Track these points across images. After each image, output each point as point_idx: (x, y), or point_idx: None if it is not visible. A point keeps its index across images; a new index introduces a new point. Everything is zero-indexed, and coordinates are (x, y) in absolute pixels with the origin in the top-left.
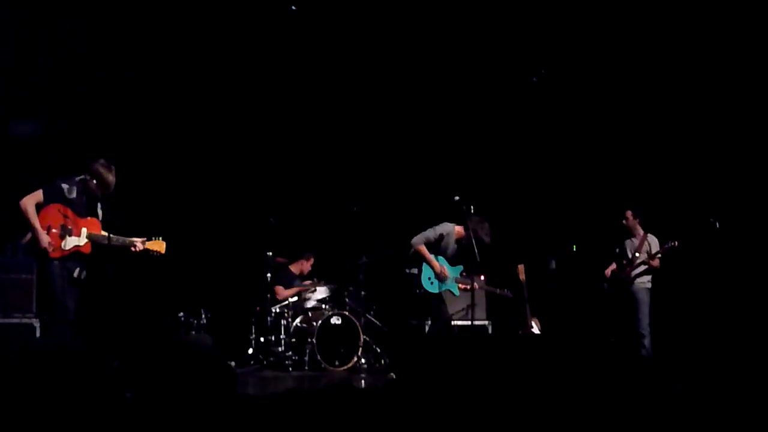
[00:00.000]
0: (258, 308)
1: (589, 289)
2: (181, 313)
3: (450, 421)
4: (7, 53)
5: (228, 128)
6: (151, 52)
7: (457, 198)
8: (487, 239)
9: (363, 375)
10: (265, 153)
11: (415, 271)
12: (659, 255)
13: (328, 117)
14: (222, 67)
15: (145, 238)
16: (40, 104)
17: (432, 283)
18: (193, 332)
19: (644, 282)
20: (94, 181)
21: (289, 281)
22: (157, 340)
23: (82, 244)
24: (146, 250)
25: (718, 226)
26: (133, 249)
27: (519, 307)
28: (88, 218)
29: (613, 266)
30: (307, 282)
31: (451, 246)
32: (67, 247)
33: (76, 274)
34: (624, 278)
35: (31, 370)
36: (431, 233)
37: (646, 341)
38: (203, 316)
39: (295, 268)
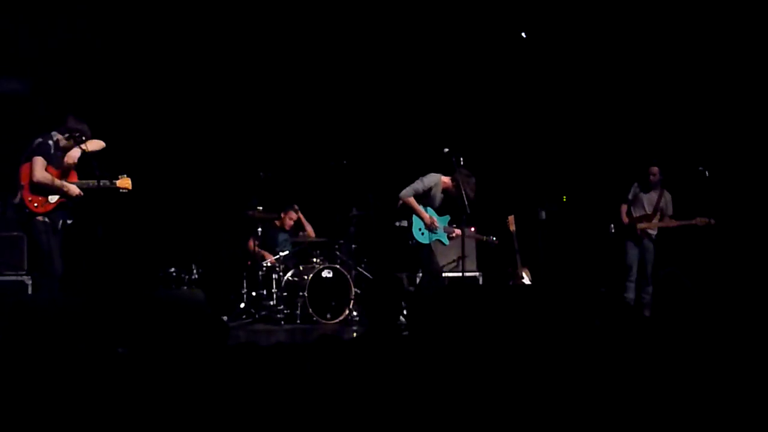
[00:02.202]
0: (249, 263)
1: (580, 239)
2: (173, 269)
3: (441, 372)
4: None
5: (218, 82)
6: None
7: (446, 150)
8: (471, 195)
9: (354, 327)
10: (254, 106)
11: (404, 223)
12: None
13: (317, 70)
14: (213, 23)
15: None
16: (26, 59)
17: (423, 234)
18: (185, 287)
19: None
20: (77, 134)
21: (270, 235)
22: (148, 296)
23: None
24: (116, 188)
25: (707, 174)
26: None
27: (509, 257)
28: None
29: (624, 208)
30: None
31: (438, 196)
32: (52, 201)
33: (60, 225)
34: (639, 232)
35: (23, 327)
36: (419, 185)
37: (650, 288)
38: (194, 271)
39: (278, 222)
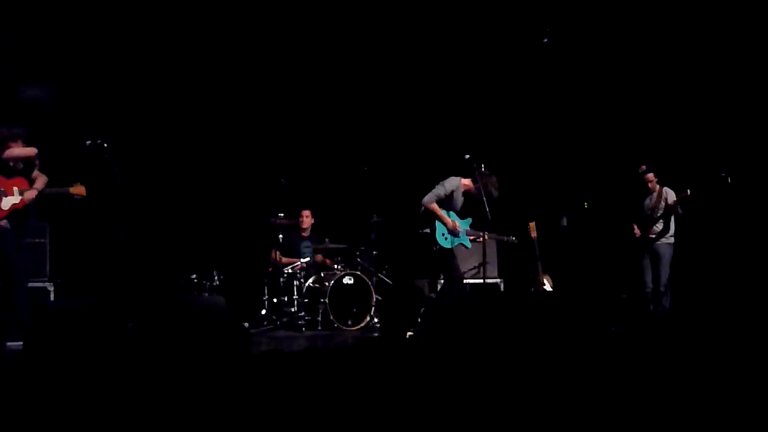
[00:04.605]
0: (270, 269)
1: (601, 246)
2: (194, 275)
3: (462, 378)
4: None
5: (240, 90)
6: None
7: (467, 156)
8: (495, 193)
9: (376, 334)
10: (275, 113)
11: (428, 230)
12: (678, 204)
13: (338, 76)
14: (234, 31)
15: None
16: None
17: (446, 238)
18: (206, 294)
19: (668, 238)
20: (19, 142)
21: (292, 243)
22: (170, 302)
23: (17, 201)
24: (70, 195)
25: (729, 180)
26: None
27: (531, 264)
28: (15, 178)
29: (635, 226)
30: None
31: (460, 199)
32: (6, 207)
33: (21, 231)
34: (647, 237)
35: (47, 332)
36: (440, 190)
37: (666, 298)
38: (216, 277)
39: (301, 228)
